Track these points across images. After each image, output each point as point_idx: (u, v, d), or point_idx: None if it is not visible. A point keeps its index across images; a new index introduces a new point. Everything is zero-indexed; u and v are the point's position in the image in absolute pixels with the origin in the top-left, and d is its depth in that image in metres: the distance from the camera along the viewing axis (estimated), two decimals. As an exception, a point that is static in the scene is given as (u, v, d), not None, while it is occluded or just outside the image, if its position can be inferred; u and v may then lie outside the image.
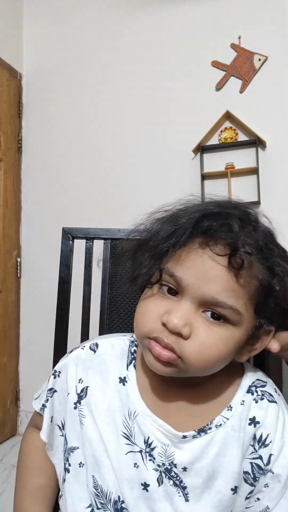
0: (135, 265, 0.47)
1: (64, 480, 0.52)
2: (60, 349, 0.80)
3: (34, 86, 2.30)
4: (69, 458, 0.52)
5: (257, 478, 0.47)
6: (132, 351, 0.54)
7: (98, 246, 0.84)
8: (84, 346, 0.56)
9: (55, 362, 0.65)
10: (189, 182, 1.92)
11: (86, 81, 2.20)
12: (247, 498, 0.48)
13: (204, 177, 1.93)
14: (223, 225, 0.41)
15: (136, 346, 0.55)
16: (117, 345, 0.55)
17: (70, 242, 0.83)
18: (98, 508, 0.49)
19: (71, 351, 0.57)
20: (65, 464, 0.52)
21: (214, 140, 1.97)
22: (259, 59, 1.89)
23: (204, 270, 0.41)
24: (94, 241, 0.84)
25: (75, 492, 0.50)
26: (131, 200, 2.00)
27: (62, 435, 0.54)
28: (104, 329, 0.81)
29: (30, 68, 2.32)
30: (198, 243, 0.42)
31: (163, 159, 2.02)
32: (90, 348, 0.55)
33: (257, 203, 1.82)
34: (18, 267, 2.23)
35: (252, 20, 1.92)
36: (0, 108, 2.11)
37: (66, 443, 0.52)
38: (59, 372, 0.56)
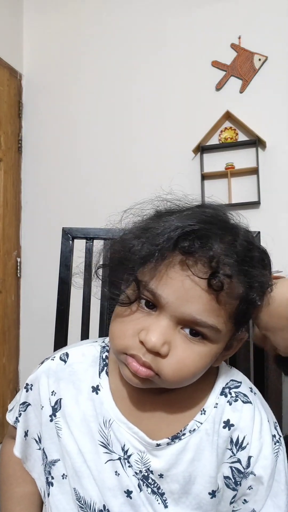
0: (111, 287, 0.46)
1: (48, 494, 0.51)
2: (60, 349, 0.80)
3: (34, 86, 2.30)
4: (51, 471, 0.50)
5: (238, 482, 0.47)
6: (104, 357, 0.53)
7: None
8: (54, 357, 0.54)
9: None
10: (189, 182, 1.92)
11: (86, 81, 2.20)
12: (231, 502, 0.47)
13: (204, 177, 1.93)
14: (203, 244, 0.39)
15: (107, 351, 0.53)
16: (87, 352, 0.54)
17: (70, 242, 0.83)
18: None
19: (42, 363, 0.55)
20: (47, 478, 0.51)
21: (214, 140, 1.97)
22: (259, 59, 1.89)
23: (184, 289, 0.40)
24: (94, 241, 0.83)
25: (61, 504, 0.49)
26: (131, 200, 2.00)
27: (39, 449, 0.53)
28: (104, 329, 0.81)
29: (30, 68, 2.32)
30: (177, 261, 0.40)
31: (163, 159, 2.02)
32: (61, 358, 0.53)
33: (257, 203, 1.82)
34: (18, 267, 2.23)
35: (252, 20, 1.92)
36: (0, 108, 2.11)
37: (46, 457, 0.51)
38: (31, 385, 0.54)
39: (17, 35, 2.30)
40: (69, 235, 0.83)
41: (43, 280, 2.10)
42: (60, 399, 0.51)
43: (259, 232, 0.74)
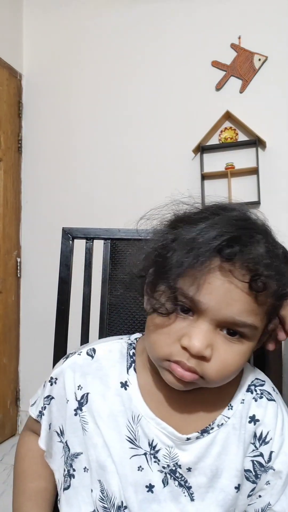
0: (152, 298, 0.46)
1: (68, 487, 0.51)
2: (60, 349, 0.80)
3: (34, 86, 2.30)
4: (73, 464, 0.51)
5: (259, 476, 0.48)
6: (131, 354, 0.54)
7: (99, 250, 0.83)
8: (81, 352, 0.55)
9: (55, 362, 0.64)
10: (189, 182, 1.92)
11: (86, 81, 2.20)
12: (249, 495, 0.49)
13: (204, 177, 1.93)
14: (242, 249, 0.40)
15: (134, 348, 0.54)
16: (114, 349, 0.55)
17: (70, 242, 0.83)
18: None
19: (67, 357, 0.56)
20: (68, 470, 0.52)
21: (214, 140, 1.97)
22: (259, 59, 1.89)
23: (225, 294, 0.41)
24: (94, 241, 0.83)
25: (81, 496, 0.50)
26: (131, 200, 2.00)
27: (60, 441, 0.54)
28: (104, 329, 0.81)
29: (30, 68, 2.32)
30: (217, 267, 0.41)
31: (163, 159, 2.02)
32: (87, 353, 0.54)
33: (257, 203, 1.82)
34: (18, 267, 2.23)
35: (252, 20, 1.92)
36: (0, 108, 2.12)
37: (69, 450, 0.52)
38: (56, 379, 0.55)
39: (17, 35, 2.30)
40: (69, 235, 0.83)
41: (43, 280, 2.10)
42: (87, 393, 0.52)
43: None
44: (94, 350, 0.54)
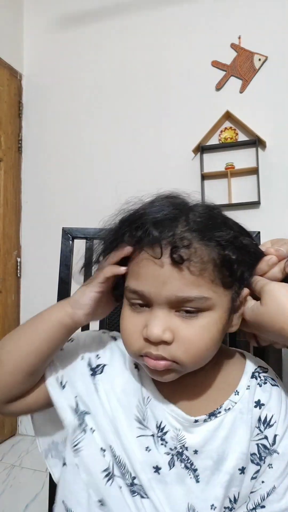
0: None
1: (78, 443, 0.50)
2: (60, 349, 0.80)
3: (34, 86, 2.30)
4: (85, 419, 0.50)
5: (263, 458, 0.49)
6: None
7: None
8: (105, 332, 0.58)
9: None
10: (189, 182, 1.92)
11: (86, 81, 2.20)
12: (252, 478, 0.49)
13: (204, 177, 1.93)
14: (153, 226, 0.43)
15: None
16: None
17: (70, 242, 0.83)
18: (116, 476, 0.48)
19: (88, 331, 0.59)
20: (80, 423, 0.50)
21: (214, 140, 1.97)
22: (259, 59, 1.89)
23: (156, 275, 0.43)
24: (94, 241, 0.83)
25: (92, 453, 0.49)
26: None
27: (65, 391, 0.52)
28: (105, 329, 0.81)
29: (30, 68, 2.32)
30: (140, 253, 0.44)
31: (163, 159, 2.02)
32: (110, 336, 0.58)
33: (257, 203, 1.82)
34: (18, 267, 2.23)
35: (252, 20, 1.92)
36: (0, 108, 2.12)
37: (79, 403, 0.51)
38: (71, 339, 0.57)
39: (18, 35, 2.30)
40: (69, 235, 0.83)
41: (43, 280, 2.10)
42: (104, 365, 0.53)
43: (259, 232, 0.74)
44: (115, 336, 0.58)
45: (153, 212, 0.45)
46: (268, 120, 1.87)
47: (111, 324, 0.81)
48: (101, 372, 0.53)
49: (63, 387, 0.53)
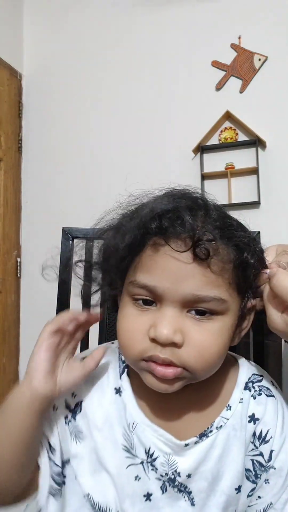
0: (106, 291, 0.47)
1: (57, 493, 0.47)
2: (60, 349, 0.80)
3: (34, 86, 2.30)
4: (64, 471, 0.48)
5: (259, 475, 0.47)
6: (123, 359, 0.51)
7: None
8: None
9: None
10: (189, 182, 1.89)
11: (86, 81, 2.20)
12: (248, 496, 0.47)
13: (204, 177, 1.93)
14: (176, 219, 0.39)
15: None
16: (107, 355, 0.51)
17: (70, 242, 0.83)
18: None
19: None
20: (60, 475, 0.47)
21: (214, 140, 1.97)
22: (259, 59, 1.89)
23: (175, 270, 0.39)
24: (94, 241, 0.83)
25: (74, 504, 0.47)
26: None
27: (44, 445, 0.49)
28: (104, 330, 0.81)
29: (30, 68, 2.32)
30: (159, 245, 0.40)
31: (163, 159, 2.02)
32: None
33: (257, 203, 1.82)
34: (18, 267, 2.23)
35: (252, 20, 1.91)
36: (0, 108, 2.11)
37: (62, 454, 0.48)
38: None
39: (17, 35, 2.30)
40: (69, 235, 0.83)
41: (43, 280, 2.10)
42: (81, 401, 0.49)
43: (259, 232, 0.74)
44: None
45: (173, 205, 0.41)
46: (268, 120, 1.87)
47: (110, 334, 0.81)
48: (80, 410, 0.49)
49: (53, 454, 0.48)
